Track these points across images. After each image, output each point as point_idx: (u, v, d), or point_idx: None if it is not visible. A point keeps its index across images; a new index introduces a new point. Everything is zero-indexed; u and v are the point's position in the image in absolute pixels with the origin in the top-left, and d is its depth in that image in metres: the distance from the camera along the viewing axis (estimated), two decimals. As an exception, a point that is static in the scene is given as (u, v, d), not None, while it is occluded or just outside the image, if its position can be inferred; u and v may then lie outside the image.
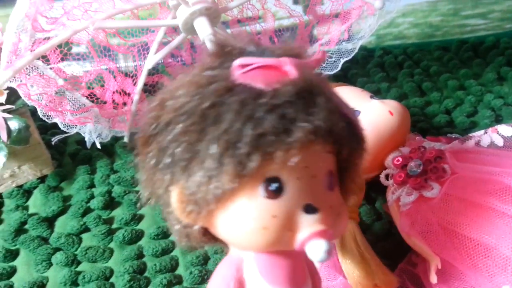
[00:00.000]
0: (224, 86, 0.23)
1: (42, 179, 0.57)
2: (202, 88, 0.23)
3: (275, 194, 0.23)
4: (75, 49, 0.56)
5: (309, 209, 0.23)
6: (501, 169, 0.38)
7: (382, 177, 0.45)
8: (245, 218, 0.23)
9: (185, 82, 0.24)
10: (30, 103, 0.47)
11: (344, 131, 0.24)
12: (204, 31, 0.47)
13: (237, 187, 0.22)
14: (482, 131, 0.44)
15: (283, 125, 0.22)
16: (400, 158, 0.44)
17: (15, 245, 0.49)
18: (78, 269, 0.46)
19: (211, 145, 0.22)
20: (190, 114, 0.22)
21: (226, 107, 0.22)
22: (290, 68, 0.23)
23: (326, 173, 0.25)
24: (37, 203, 0.54)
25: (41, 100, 0.47)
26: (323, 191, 0.24)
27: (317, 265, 0.40)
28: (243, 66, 0.23)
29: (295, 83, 0.23)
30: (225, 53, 0.25)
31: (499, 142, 0.43)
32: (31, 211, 0.53)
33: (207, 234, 0.26)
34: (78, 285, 0.45)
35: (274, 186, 0.23)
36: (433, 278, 0.37)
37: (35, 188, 0.56)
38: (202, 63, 0.25)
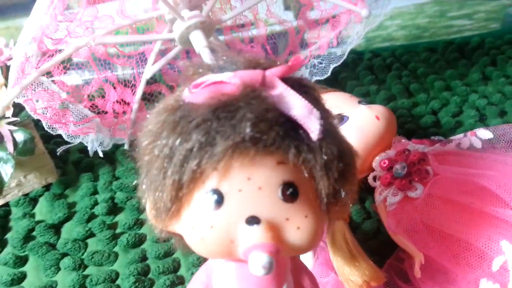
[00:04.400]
0: (172, 106, 0.25)
1: (47, 187, 0.59)
2: (162, 109, 0.25)
3: (216, 206, 0.24)
4: (74, 59, 0.59)
5: (251, 221, 0.23)
6: (479, 171, 0.41)
7: (370, 179, 0.48)
8: (188, 227, 0.25)
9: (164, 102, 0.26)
10: (36, 117, 0.49)
11: (285, 138, 0.23)
12: (200, 44, 0.50)
13: (182, 200, 0.24)
14: (462, 135, 0.47)
15: (207, 138, 0.23)
16: (386, 161, 0.47)
17: (24, 252, 0.52)
18: (86, 272, 0.49)
19: (155, 162, 0.24)
20: (149, 133, 0.25)
21: (166, 125, 0.24)
22: (234, 81, 0.24)
23: (278, 184, 0.24)
24: (43, 211, 0.57)
25: (46, 114, 0.50)
26: (274, 203, 0.24)
27: (309, 265, 0.43)
28: (197, 85, 0.24)
29: (222, 97, 0.23)
30: (198, 74, 0.26)
31: (478, 144, 0.45)
32: (37, 218, 0.56)
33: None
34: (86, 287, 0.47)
35: (214, 198, 0.24)
36: (417, 273, 0.40)
37: (40, 196, 0.58)
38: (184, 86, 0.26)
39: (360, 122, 0.50)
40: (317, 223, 0.25)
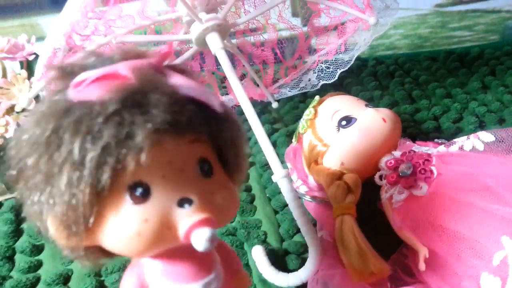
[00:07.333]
0: (61, 109, 0.22)
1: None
2: (45, 115, 0.22)
3: (143, 198, 0.23)
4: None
5: (183, 202, 0.23)
6: (481, 171, 0.44)
7: (376, 178, 0.50)
8: (118, 228, 0.23)
9: (33, 112, 0.23)
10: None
11: (196, 116, 0.23)
12: (216, 45, 0.52)
13: (102, 203, 0.23)
14: (465, 137, 0.49)
15: (123, 131, 0.21)
16: (392, 161, 0.49)
17: (39, 241, 0.53)
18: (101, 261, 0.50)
19: (60, 172, 0.22)
20: (37, 145, 0.22)
21: (63, 129, 0.22)
22: (127, 72, 0.22)
23: (196, 162, 0.24)
24: (58, 202, 0.58)
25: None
26: (197, 181, 0.24)
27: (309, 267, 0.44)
28: (80, 83, 0.23)
29: (125, 87, 0.22)
30: (67, 74, 0.24)
31: (480, 147, 0.48)
32: (53, 209, 0.57)
33: (102, 250, 0.25)
34: (101, 276, 0.49)
35: (139, 191, 0.23)
36: (422, 266, 0.42)
37: (55, 188, 0.60)
38: (49, 90, 0.24)
39: (368, 124, 0.52)
40: (235, 191, 0.27)
